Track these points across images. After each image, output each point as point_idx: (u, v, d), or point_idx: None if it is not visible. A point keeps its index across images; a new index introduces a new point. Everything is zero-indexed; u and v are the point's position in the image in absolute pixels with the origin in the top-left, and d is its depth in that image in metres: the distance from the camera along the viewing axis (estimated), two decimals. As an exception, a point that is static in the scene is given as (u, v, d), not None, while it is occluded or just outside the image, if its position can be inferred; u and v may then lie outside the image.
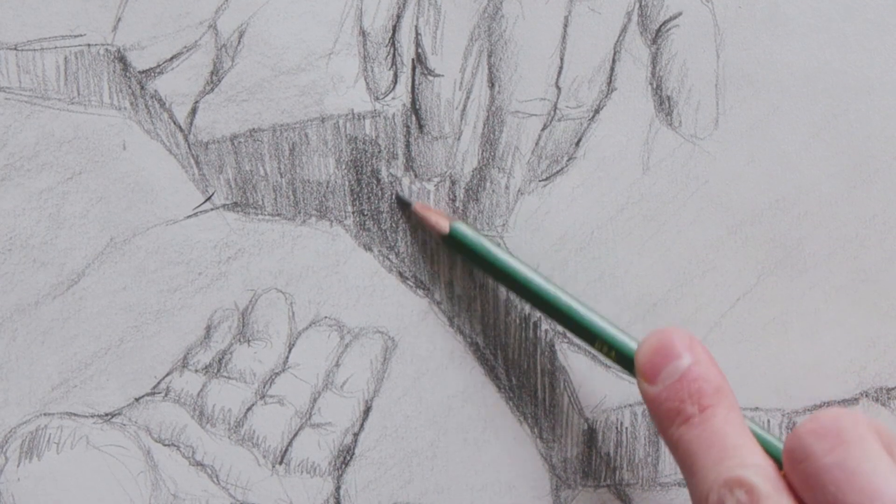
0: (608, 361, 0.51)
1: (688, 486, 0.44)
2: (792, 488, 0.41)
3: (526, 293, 0.50)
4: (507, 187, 0.52)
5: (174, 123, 0.52)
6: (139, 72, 0.51)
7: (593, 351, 0.50)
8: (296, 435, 0.51)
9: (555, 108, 0.52)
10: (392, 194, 0.52)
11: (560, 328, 0.52)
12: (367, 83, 0.52)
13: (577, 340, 0.52)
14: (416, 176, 0.52)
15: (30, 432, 0.51)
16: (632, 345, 0.48)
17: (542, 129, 0.52)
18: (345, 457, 0.52)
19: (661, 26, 0.52)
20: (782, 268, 0.53)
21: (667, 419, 0.45)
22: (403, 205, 0.52)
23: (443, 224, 0.51)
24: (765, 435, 0.48)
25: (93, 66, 0.51)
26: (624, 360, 0.48)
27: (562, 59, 0.52)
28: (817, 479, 0.39)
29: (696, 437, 0.43)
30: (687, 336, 0.46)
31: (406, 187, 0.52)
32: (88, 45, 0.51)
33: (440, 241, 0.51)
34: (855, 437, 0.40)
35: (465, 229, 0.51)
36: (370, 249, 0.52)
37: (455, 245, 0.51)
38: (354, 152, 0.52)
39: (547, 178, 0.52)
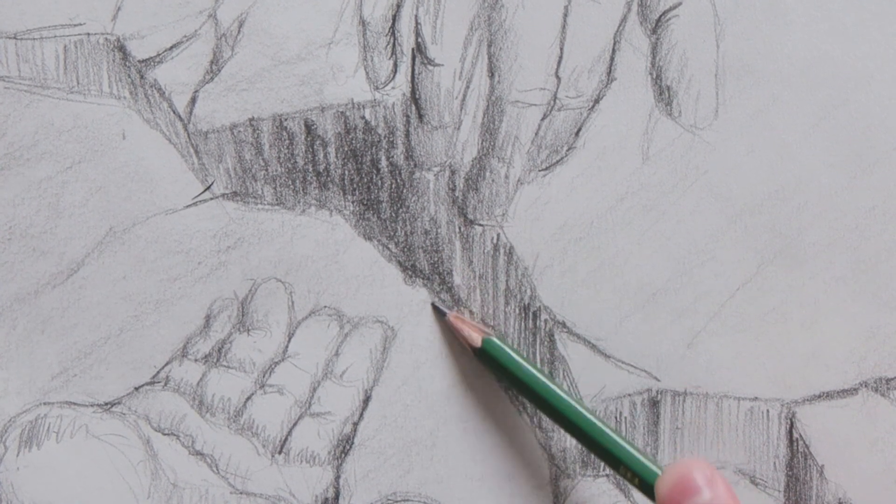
0: (632, 488, 0.51)
1: None
2: None
3: (554, 414, 0.50)
4: (506, 177, 0.52)
5: (174, 113, 0.52)
6: (139, 61, 0.51)
7: (618, 476, 0.50)
8: (295, 424, 0.51)
9: (555, 97, 0.52)
10: (429, 301, 0.52)
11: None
12: (367, 73, 0.52)
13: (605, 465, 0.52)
14: (415, 165, 0.52)
15: (29, 421, 0.51)
16: (656, 473, 0.48)
17: (542, 119, 0.52)
18: (344, 446, 0.52)
19: (660, 16, 0.52)
20: (782, 258, 0.53)
21: None
22: (438, 313, 0.52)
23: (475, 338, 0.51)
24: None
25: (92, 56, 0.51)
26: (648, 488, 0.49)
27: (561, 49, 0.52)
28: None
29: None
30: (708, 470, 0.46)
31: (442, 301, 0.52)
32: (88, 34, 0.51)
33: (472, 353, 0.51)
34: None
35: (496, 345, 0.51)
36: (370, 239, 0.52)
37: (485, 358, 0.51)
38: (354, 142, 0.52)
39: (547, 168, 0.52)
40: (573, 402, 0.50)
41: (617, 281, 0.53)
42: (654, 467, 0.49)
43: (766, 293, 0.53)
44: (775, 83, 0.53)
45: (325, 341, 0.52)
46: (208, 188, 0.52)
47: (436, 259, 0.52)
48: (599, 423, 0.50)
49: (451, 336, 0.52)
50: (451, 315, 0.52)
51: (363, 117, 0.52)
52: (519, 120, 0.52)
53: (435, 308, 0.52)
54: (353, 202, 0.52)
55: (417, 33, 0.52)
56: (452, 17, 0.52)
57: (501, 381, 0.52)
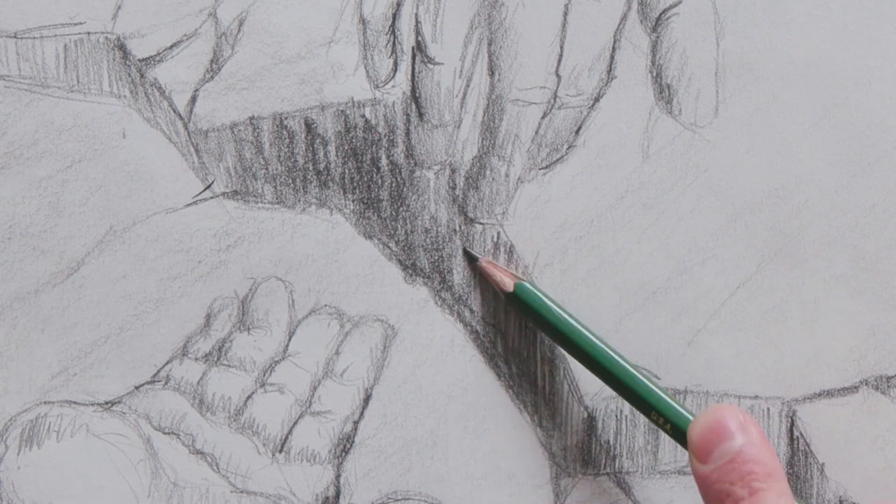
0: (663, 432, 0.51)
1: None
2: None
3: (585, 358, 0.50)
4: (506, 175, 0.52)
5: (174, 111, 0.52)
6: (139, 60, 0.51)
7: (649, 420, 0.50)
8: (296, 423, 0.51)
9: (555, 96, 0.52)
10: (461, 246, 0.52)
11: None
12: (367, 71, 0.52)
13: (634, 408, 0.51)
14: (416, 164, 0.52)
15: (30, 420, 0.51)
16: (688, 418, 0.48)
17: (542, 118, 0.52)
18: (345, 445, 0.52)
19: (661, 14, 0.52)
20: (782, 256, 0.53)
21: (716, 500, 0.45)
22: (470, 259, 0.52)
23: (507, 282, 0.51)
24: None
25: (92, 55, 0.51)
26: (679, 434, 0.49)
27: (562, 48, 0.52)
28: None
29: None
30: (741, 415, 0.46)
31: (472, 242, 0.52)
32: (88, 33, 0.51)
33: (504, 298, 0.51)
34: None
35: (529, 289, 0.51)
36: (370, 238, 0.52)
37: (517, 303, 0.51)
38: (354, 140, 0.52)
39: (547, 167, 0.52)
40: (606, 348, 0.50)
41: (617, 279, 0.53)
42: (686, 413, 0.49)
43: (767, 291, 0.53)
44: (775, 81, 0.53)
45: (325, 340, 0.52)
46: (208, 187, 0.52)
47: (436, 258, 0.52)
48: (632, 369, 0.50)
49: (483, 282, 0.52)
50: (483, 260, 0.52)
51: (363, 116, 0.52)
52: (519, 118, 0.52)
53: (467, 254, 0.52)
54: (353, 201, 0.52)
55: (417, 32, 0.52)
56: (452, 15, 0.52)
57: (533, 325, 0.52)
